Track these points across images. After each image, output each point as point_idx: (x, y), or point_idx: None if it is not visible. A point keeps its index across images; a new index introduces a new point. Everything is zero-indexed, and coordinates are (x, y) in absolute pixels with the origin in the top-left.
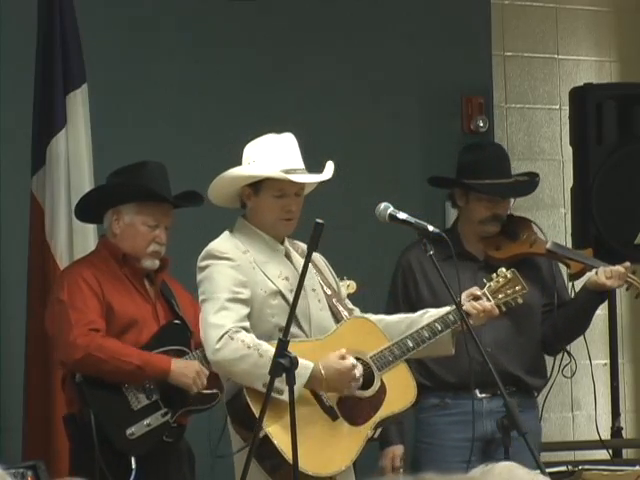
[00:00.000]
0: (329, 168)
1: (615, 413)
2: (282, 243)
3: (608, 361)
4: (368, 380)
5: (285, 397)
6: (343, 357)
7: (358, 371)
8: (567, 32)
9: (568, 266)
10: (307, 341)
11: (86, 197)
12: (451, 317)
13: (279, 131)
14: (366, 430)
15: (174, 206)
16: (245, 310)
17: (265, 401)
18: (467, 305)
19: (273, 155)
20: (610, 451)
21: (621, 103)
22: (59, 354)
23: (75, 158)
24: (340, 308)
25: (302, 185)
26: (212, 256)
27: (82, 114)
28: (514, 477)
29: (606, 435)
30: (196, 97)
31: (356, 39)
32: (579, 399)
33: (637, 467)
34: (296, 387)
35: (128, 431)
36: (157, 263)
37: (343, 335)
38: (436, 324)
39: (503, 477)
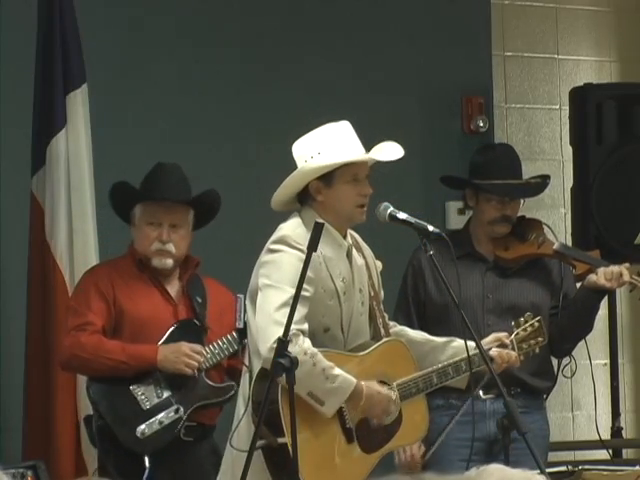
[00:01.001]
0: (398, 147)
1: (615, 413)
2: (345, 237)
3: (608, 361)
4: None
5: (324, 409)
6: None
7: (395, 406)
8: (567, 32)
9: (574, 267)
10: (343, 354)
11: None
12: (476, 359)
13: (279, 131)
14: (374, 459)
15: (188, 204)
16: (305, 310)
17: (261, 413)
18: (494, 352)
19: (337, 142)
20: (610, 451)
21: (621, 103)
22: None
23: (75, 158)
24: (378, 314)
25: (369, 166)
26: (286, 243)
27: (82, 114)
28: (506, 477)
29: (606, 435)
30: (196, 97)
31: (356, 39)
32: (579, 399)
33: (637, 467)
34: (337, 400)
35: (139, 429)
36: (168, 262)
37: (378, 357)
38: (462, 364)
39: (496, 476)
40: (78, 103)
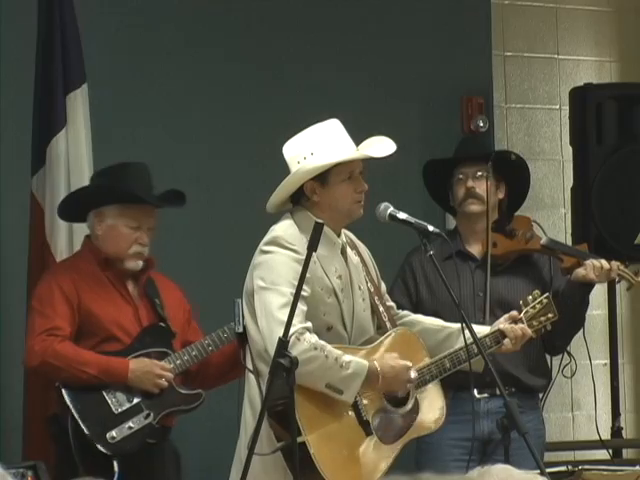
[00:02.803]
0: (389, 142)
1: (615, 413)
2: (339, 236)
3: (608, 361)
4: (404, 397)
5: (344, 397)
6: (397, 357)
7: (414, 372)
8: (567, 32)
9: (561, 260)
10: (352, 348)
11: (69, 198)
12: (487, 341)
13: (279, 131)
14: (393, 452)
15: (156, 207)
16: (305, 307)
17: (261, 414)
18: (507, 327)
19: (329, 142)
20: (610, 451)
21: (621, 103)
22: (23, 359)
23: (75, 158)
24: (381, 308)
25: (364, 164)
26: (278, 244)
27: (82, 114)
28: (510, 478)
29: (606, 435)
30: (196, 97)
31: (355, 39)
32: (579, 399)
33: (637, 467)
34: (355, 385)
35: (109, 434)
36: (140, 264)
37: (388, 347)
38: (473, 347)
39: (500, 478)
40: (78, 103)
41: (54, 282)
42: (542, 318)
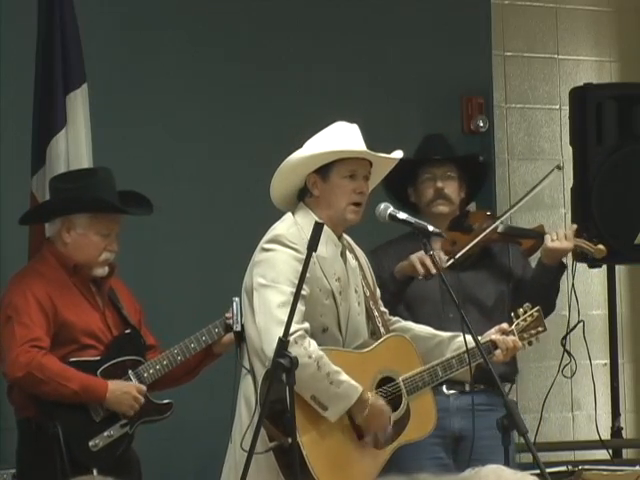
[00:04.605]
0: (399, 152)
1: (615, 413)
2: (339, 238)
3: (608, 361)
4: (396, 402)
5: (328, 414)
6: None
7: (390, 427)
8: (567, 32)
9: (520, 244)
10: (347, 352)
11: (37, 210)
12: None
13: (279, 131)
14: (386, 455)
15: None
16: (304, 307)
17: (261, 415)
18: (499, 338)
19: (339, 137)
20: (610, 451)
21: (621, 103)
22: (3, 370)
23: (75, 158)
24: (375, 313)
25: (370, 168)
26: (280, 242)
27: (82, 114)
28: (501, 478)
29: (606, 435)
30: (196, 97)
31: (356, 39)
32: (579, 399)
33: (637, 467)
34: (341, 406)
35: (91, 443)
36: (107, 270)
37: (381, 352)
38: (465, 356)
39: (490, 479)
40: (78, 103)
41: (29, 291)
42: (532, 331)
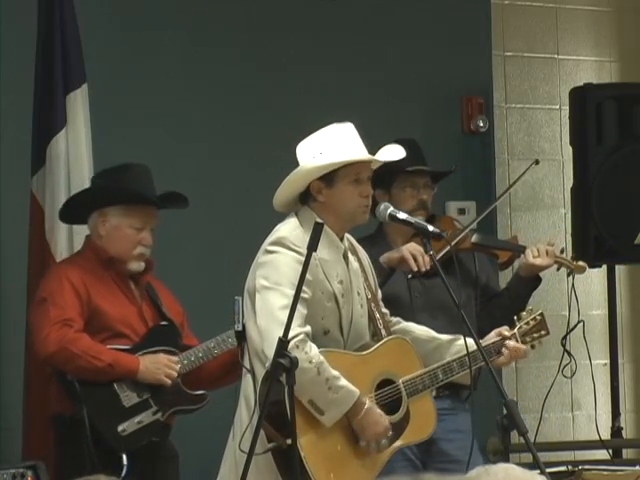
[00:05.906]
0: (400, 149)
1: (615, 413)
2: (342, 240)
3: (608, 361)
4: (396, 405)
5: (324, 419)
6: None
7: (386, 440)
8: (567, 32)
9: (497, 256)
10: (347, 354)
11: (72, 200)
12: (480, 355)
13: (279, 131)
14: (384, 457)
15: (158, 208)
16: (305, 311)
17: (260, 416)
18: (509, 344)
19: (339, 143)
20: (610, 451)
21: (621, 103)
22: (35, 349)
23: (75, 158)
24: (377, 314)
25: (371, 168)
26: (284, 245)
27: (82, 114)
28: (510, 476)
29: (606, 435)
30: (196, 97)
31: (356, 40)
32: (579, 399)
33: (637, 467)
34: (338, 411)
35: (120, 428)
36: (143, 265)
37: (382, 354)
38: (466, 359)
39: (499, 477)
40: (78, 103)
41: (64, 276)
42: (535, 335)
